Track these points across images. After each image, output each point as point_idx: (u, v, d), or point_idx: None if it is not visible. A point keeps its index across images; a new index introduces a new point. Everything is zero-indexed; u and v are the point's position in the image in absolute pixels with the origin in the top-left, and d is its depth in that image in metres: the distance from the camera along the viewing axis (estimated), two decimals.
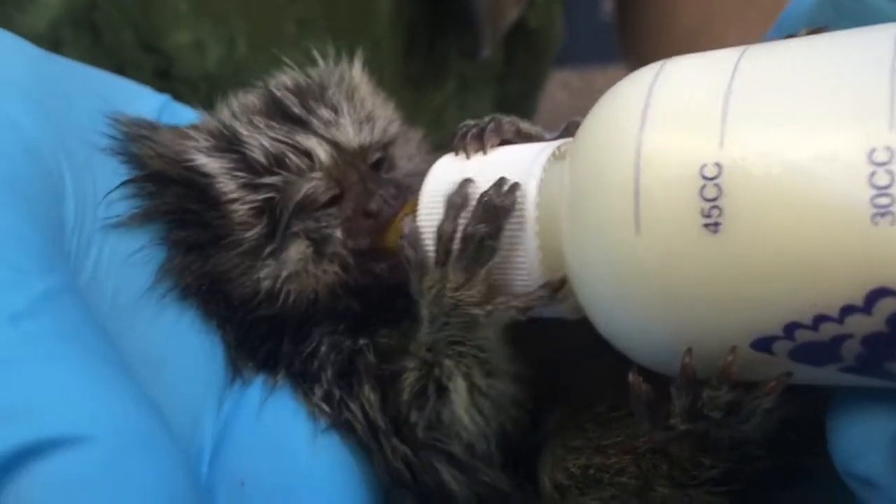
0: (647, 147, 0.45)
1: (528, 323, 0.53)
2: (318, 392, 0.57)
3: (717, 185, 0.43)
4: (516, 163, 0.53)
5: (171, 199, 0.59)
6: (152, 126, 0.61)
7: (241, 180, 0.59)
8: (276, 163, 0.59)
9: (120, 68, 0.86)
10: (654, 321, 0.45)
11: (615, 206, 0.45)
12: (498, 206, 0.51)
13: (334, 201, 0.60)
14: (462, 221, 0.53)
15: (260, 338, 0.59)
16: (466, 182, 0.54)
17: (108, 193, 0.56)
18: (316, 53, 0.64)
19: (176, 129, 0.62)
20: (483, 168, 0.54)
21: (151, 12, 0.85)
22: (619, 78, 0.50)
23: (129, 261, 0.57)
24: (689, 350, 0.46)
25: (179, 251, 0.59)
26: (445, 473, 0.56)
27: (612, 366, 0.50)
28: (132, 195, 0.58)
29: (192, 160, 0.59)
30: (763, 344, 0.43)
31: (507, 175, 0.52)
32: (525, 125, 0.59)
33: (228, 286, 0.59)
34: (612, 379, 0.52)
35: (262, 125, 0.60)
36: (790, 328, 0.42)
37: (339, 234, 0.59)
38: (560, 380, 0.59)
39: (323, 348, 0.59)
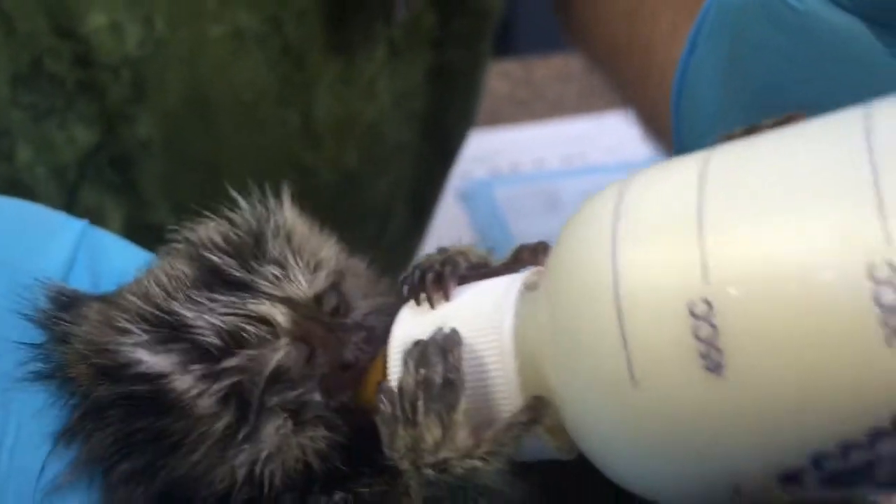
0: (625, 286, 0.41)
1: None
2: None
3: (710, 324, 0.39)
4: (485, 305, 0.49)
5: (113, 428, 0.51)
6: (75, 307, 0.53)
7: (199, 372, 0.51)
8: (234, 341, 0.51)
9: (38, 59, 0.84)
10: (670, 468, 0.42)
11: (604, 358, 0.41)
12: (444, 344, 0.47)
13: (305, 361, 0.54)
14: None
15: None
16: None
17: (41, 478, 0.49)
18: (234, 193, 0.56)
19: (104, 310, 0.53)
20: (452, 315, 0.50)
21: None
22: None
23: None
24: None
25: (120, 484, 0.51)
26: None
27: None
28: (59, 441, 0.51)
29: (135, 362, 0.50)
30: (791, 477, 0.40)
31: (481, 319, 0.49)
32: (474, 254, 0.54)
33: (186, 492, 0.51)
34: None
35: (204, 300, 0.52)
36: (818, 460, 0.39)
37: (317, 396, 0.53)
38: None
39: None
